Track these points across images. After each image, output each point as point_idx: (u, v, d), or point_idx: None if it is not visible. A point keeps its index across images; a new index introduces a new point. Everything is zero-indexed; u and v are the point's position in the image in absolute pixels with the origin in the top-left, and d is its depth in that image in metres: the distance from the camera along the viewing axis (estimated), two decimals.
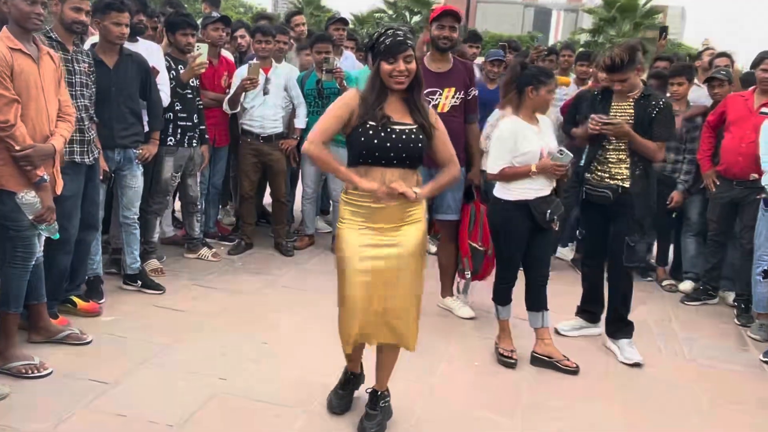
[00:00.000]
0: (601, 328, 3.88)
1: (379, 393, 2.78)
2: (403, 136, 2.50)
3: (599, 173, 3.61)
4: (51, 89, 3.01)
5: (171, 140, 4.43)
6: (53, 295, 3.40)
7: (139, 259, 4.15)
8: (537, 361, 3.51)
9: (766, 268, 4.01)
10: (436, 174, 2.69)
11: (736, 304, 4.51)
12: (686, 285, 4.91)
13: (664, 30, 6.35)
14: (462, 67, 3.97)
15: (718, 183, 4.52)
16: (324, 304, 3.40)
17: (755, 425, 3.12)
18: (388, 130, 2.49)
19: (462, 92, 3.90)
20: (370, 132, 2.48)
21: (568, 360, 3.47)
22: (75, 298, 3.68)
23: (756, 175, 4.15)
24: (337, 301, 2.63)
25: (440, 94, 3.86)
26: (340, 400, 2.88)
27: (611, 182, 3.55)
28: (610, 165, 3.57)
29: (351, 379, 2.90)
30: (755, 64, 4.45)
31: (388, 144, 2.48)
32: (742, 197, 4.38)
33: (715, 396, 3.33)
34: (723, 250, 4.67)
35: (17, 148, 2.80)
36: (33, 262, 3.04)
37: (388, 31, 2.48)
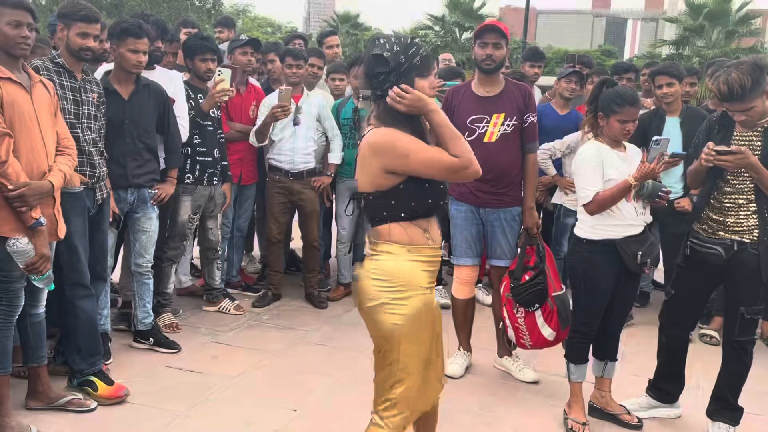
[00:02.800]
0: (679, 409, 3.68)
1: None
2: None
3: (711, 223, 3.33)
4: (47, 121, 3.09)
5: (189, 177, 4.53)
6: (93, 351, 3.51)
7: (151, 313, 4.21)
8: (595, 411, 3.58)
9: None
10: None
11: None
12: None
13: None
14: (515, 90, 3.95)
15: None
16: (363, 364, 3.39)
17: None
18: None
19: (514, 118, 3.87)
20: None
21: (628, 414, 3.54)
22: (95, 379, 3.53)
23: None
24: (406, 367, 2.49)
25: (487, 122, 3.86)
26: None
27: (725, 235, 3.29)
28: (726, 212, 3.29)
29: None
30: None
31: None
32: None
33: None
34: None
35: (10, 187, 2.83)
36: (16, 316, 3.08)
37: (415, 41, 2.47)
